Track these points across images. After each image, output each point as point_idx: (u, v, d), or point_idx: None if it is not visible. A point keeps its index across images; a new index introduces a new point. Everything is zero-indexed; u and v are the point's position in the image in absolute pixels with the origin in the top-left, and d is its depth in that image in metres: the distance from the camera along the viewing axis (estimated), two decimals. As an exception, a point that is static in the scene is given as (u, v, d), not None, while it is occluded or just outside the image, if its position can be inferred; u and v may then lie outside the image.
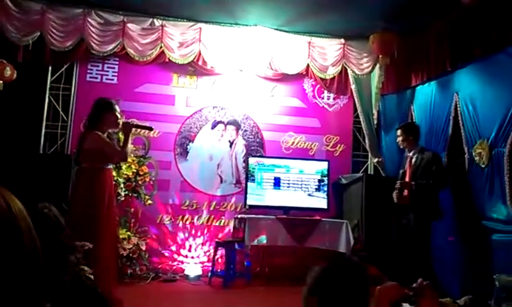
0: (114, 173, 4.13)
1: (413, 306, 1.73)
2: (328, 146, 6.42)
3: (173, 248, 5.83)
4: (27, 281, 0.83)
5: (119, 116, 3.76)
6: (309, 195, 5.86)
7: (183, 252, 5.84)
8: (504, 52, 4.14)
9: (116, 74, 5.97)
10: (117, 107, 3.78)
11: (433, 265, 4.31)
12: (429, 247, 4.32)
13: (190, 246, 5.87)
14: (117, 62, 5.95)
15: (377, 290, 1.61)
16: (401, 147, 4.79)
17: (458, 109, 4.75)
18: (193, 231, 5.93)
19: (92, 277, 2.77)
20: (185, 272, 5.60)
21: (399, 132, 4.76)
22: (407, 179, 4.52)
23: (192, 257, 5.83)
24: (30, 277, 0.83)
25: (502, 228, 4.00)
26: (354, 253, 5.33)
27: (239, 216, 5.65)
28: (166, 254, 5.78)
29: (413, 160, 4.56)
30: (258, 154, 6.18)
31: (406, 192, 4.45)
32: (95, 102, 3.78)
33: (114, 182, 3.99)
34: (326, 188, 5.89)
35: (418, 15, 5.07)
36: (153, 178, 5.69)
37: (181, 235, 5.89)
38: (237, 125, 6.24)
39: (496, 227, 4.08)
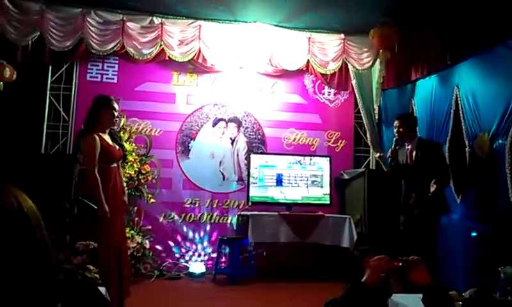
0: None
1: (401, 281, 1.73)
2: (329, 141, 6.43)
3: (177, 246, 5.84)
4: (39, 277, 0.84)
5: (115, 113, 3.67)
6: (311, 191, 5.87)
7: (187, 249, 5.85)
8: (504, 45, 4.12)
9: (116, 73, 5.97)
10: (115, 104, 3.69)
11: (438, 259, 4.27)
12: (436, 241, 4.29)
13: (194, 244, 5.89)
14: (117, 62, 5.95)
15: (367, 262, 1.63)
16: (399, 138, 4.45)
17: (459, 102, 4.74)
18: (196, 229, 5.94)
19: (97, 276, 2.79)
20: (190, 270, 5.63)
21: (397, 122, 4.48)
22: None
23: (197, 254, 5.85)
24: (41, 273, 0.84)
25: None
26: (356, 247, 5.36)
27: (242, 213, 5.67)
28: (170, 252, 5.80)
29: (414, 154, 4.40)
30: (260, 151, 6.19)
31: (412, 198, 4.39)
32: (93, 99, 3.72)
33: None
34: (328, 184, 5.89)
35: (418, 8, 5.06)
36: (156, 177, 5.70)
37: (184, 233, 5.90)
38: (238, 122, 6.25)
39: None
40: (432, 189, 4.16)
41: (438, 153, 4.40)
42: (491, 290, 2.59)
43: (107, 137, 3.64)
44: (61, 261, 1.48)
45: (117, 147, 3.70)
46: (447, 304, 1.60)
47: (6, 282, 0.79)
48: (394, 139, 4.50)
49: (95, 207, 3.42)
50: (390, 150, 4.49)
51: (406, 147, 4.47)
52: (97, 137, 3.51)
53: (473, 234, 4.36)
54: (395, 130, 4.47)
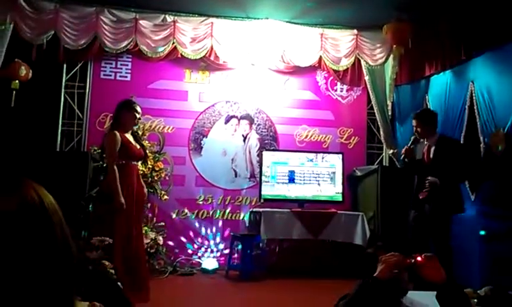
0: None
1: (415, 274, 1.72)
2: (341, 138, 6.39)
3: (190, 242, 5.88)
4: (59, 273, 0.85)
5: (137, 115, 3.90)
6: (323, 188, 5.85)
7: (200, 246, 5.89)
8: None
9: (129, 71, 6.02)
10: (137, 107, 3.92)
11: (452, 257, 4.21)
12: (449, 239, 4.23)
13: (206, 240, 5.92)
14: (130, 60, 6.00)
15: (380, 259, 1.64)
16: (419, 137, 4.40)
17: (474, 98, 4.69)
18: (209, 225, 5.97)
19: (113, 271, 2.83)
20: (203, 266, 5.66)
21: (414, 121, 4.42)
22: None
23: (210, 251, 5.88)
24: (62, 270, 0.85)
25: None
26: (369, 244, 5.33)
27: (254, 210, 5.67)
28: (183, 248, 5.83)
29: (432, 150, 4.30)
30: (272, 148, 6.19)
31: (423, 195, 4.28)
32: (117, 103, 4.00)
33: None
34: (340, 181, 5.87)
35: (432, 3, 5.01)
36: (169, 174, 5.73)
37: (197, 229, 5.93)
38: (250, 119, 6.25)
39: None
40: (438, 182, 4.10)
41: (459, 149, 4.30)
42: (506, 287, 2.57)
43: (129, 136, 3.88)
44: (77, 256, 1.52)
45: (138, 146, 3.92)
46: (461, 301, 1.58)
47: (26, 278, 0.80)
48: (412, 137, 4.44)
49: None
50: (405, 147, 4.42)
51: (425, 143, 4.41)
52: (118, 133, 3.75)
53: (482, 233, 4.32)
54: (414, 130, 4.41)
